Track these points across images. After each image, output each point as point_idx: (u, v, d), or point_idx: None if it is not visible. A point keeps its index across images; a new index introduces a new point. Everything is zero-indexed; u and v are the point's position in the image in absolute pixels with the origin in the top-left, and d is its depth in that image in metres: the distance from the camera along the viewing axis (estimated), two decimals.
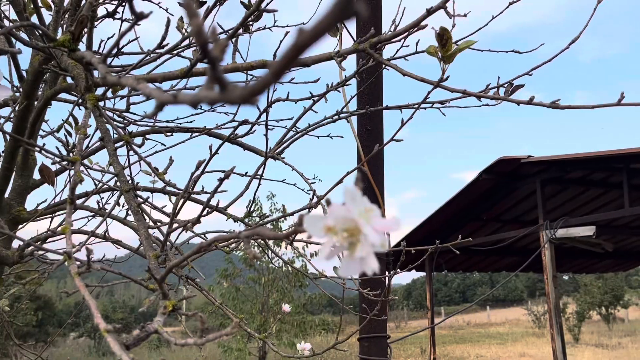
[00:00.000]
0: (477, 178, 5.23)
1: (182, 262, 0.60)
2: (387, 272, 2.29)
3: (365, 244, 0.31)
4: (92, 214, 1.62)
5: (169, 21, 0.84)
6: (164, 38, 0.89)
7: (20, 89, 1.29)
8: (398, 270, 2.21)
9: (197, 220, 0.86)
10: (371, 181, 2.24)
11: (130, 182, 1.19)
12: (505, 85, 1.30)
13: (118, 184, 1.02)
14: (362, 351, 2.30)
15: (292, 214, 1.31)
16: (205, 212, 1.29)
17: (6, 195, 1.57)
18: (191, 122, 1.86)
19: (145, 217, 1.13)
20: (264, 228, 0.43)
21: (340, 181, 1.14)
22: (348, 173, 1.15)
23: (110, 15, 1.55)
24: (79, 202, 1.62)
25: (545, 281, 5.19)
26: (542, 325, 19.97)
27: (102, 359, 17.39)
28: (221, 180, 0.80)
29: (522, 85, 1.34)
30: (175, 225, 0.83)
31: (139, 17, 0.48)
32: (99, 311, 0.55)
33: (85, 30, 1.09)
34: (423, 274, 7.19)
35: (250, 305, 11.31)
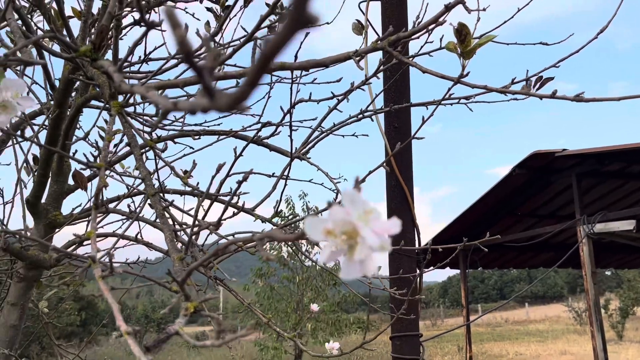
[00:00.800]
0: (511, 173, 5.13)
1: (201, 264, 0.61)
2: (417, 271, 2.27)
3: (363, 246, 0.31)
4: (124, 217, 1.66)
5: (186, 27, 0.86)
6: (209, 41, 0.91)
7: (53, 98, 1.34)
8: (424, 269, 2.19)
9: (218, 222, 0.87)
10: (399, 179, 2.22)
11: (157, 185, 1.21)
12: (533, 79, 1.27)
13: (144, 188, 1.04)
14: (395, 350, 2.29)
15: (315, 214, 1.31)
16: (231, 214, 1.31)
17: (43, 200, 1.62)
18: (219, 124, 1.89)
19: (172, 219, 1.15)
20: (276, 230, 0.43)
21: (363, 180, 1.13)
22: (370, 172, 1.15)
23: (137, 23, 1.59)
24: (111, 205, 1.66)
25: (584, 277, 5.05)
26: (584, 322, 19.44)
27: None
28: (240, 183, 0.81)
29: (552, 78, 1.31)
30: (199, 227, 0.85)
31: (149, 26, 0.49)
32: (120, 314, 0.57)
33: (111, 38, 1.13)
34: (459, 271, 7.10)
35: (285, 304, 11.39)
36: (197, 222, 0.80)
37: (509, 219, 6.56)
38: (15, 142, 1.49)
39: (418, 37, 0.96)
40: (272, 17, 1.67)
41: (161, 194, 1.31)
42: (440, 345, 17.06)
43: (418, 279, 2.41)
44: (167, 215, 1.10)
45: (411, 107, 2.24)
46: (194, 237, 1.10)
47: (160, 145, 1.26)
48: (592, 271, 5.02)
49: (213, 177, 0.84)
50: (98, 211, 1.61)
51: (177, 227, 1.11)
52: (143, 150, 1.29)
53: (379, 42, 0.97)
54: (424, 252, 2.09)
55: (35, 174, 1.51)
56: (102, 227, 1.78)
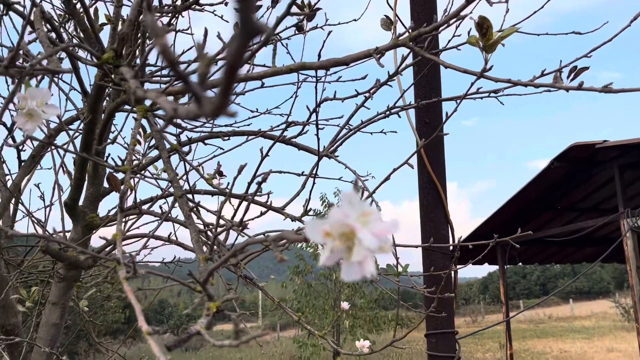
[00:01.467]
0: (549, 166, 4.99)
1: (219, 265, 0.62)
2: (453, 267, 2.24)
3: (360, 248, 0.31)
4: (157, 218, 1.70)
5: (206, 32, 0.87)
6: (202, 48, 0.92)
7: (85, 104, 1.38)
8: (458, 266, 2.16)
9: (240, 222, 0.88)
10: (432, 175, 2.20)
11: (184, 187, 1.24)
12: (566, 70, 1.24)
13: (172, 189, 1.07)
14: (430, 347, 2.27)
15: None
16: (259, 213, 1.32)
17: (80, 203, 1.68)
18: (249, 125, 1.91)
19: (200, 220, 1.17)
20: (289, 231, 0.44)
21: (388, 177, 1.13)
22: (394, 170, 1.14)
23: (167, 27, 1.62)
24: (145, 207, 1.70)
25: (628, 272, 4.88)
26: (632, 319, 18.78)
27: (185, 355, 18.15)
28: (259, 184, 0.82)
29: (586, 68, 1.27)
30: (222, 227, 0.86)
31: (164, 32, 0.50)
32: (142, 314, 0.59)
33: (138, 45, 1.15)
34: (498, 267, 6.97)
35: (322, 301, 11.42)
36: (220, 222, 0.81)
37: (549, 213, 6.39)
38: (51, 148, 1.54)
39: (439, 32, 0.94)
40: (297, 17, 1.68)
41: (191, 195, 1.34)
42: (481, 342, 16.80)
43: (452, 275, 2.38)
44: (194, 216, 1.12)
45: (442, 102, 2.21)
46: (221, 237, 1.11)
47: (185, 148, 1.28)
48: (637, 266, 4.85)
49: (235, 178, 0.85)
50: (132, 212, 1.65)
51: (205, 227, 1.13)
52: (171, 152, 1.31)
53: (400, 38, 0.97)
54: (463, 249, 2.06)
55: (72, 177, 1.57)
56: (137, 228, 1.83)
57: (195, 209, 1.08)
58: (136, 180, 1.56)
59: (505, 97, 1.57)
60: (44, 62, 0.78)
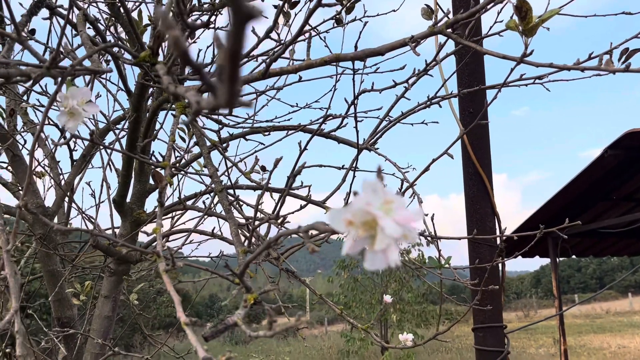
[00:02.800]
0: (602, 155, 4.78)
1: (255, 257, 0.62)
2: (500, 260, 2.19)
3: (382, 236, 0.31)
4: (201, 213, 1.74)
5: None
6: (219, 39, 0.94)
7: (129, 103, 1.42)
8: (504, 258, 2.11)
9: (277, 215, 0.89)
10: (477, 166, 2.16)
11: (226, 182, 1.26)
12: (617, 52, 1.18)
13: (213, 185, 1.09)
14: (477, 342, 2.23)
15: None
16: (299, 207, 1.33)
17: (128, 199, 1.73)
18: (289, 119, 1.92)
19: (241, 214, 1.19)
20: (320, 222, 0.44)
21: (427, 168, 1.11)
22: (434, 160, 1.12)
23: (205, 25, 1.64)
24: (189, 202, 1.74)
25: None
26: None
27: (235, 347, 18.51)
28: (290, 177, 0.82)
29: (639, 50, 1.21)
30: (260, 220, 0.87)
31: (192, 28, 0.51)
32: (181, 305, 0.60)
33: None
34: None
35: (369, 296, 11.40)
36: (259, 216, 0.82)
37: (604, 203, 6.14)
38: (100, 147, 1.60)
39: (476, 17, 0.92)
40: (337, 8, 1.67)
41: (233, 190, 1.36)
42: (534, 337, 16.36)
43: (500, 268, 2.33)
44: (236, 210, 1.14)
45: (486, 91, 2.16)
46: (262, 231, 1.13)
47: (233, 143, 1.30)
48: None
49: (271, 172, 0.86)
50: (176, 208, 1.69)
51: (244, 221, 1.15)
52: (211, 148, 1.33)
53: (436, 25, 0.95)
54: (506, 241, 2.01)
55: (119, 175, 1.62)
56: (183, 223, 1.88)
57: (235, 203, 1.09)
58: (180, 176, 1.60)
59: (555, 84, 1.52)
60: (87, 63, 0.80)
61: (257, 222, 0.84)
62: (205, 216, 1.67)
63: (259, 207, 1.42)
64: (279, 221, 0.92)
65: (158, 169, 1.16)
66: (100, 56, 1.68)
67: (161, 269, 0.68)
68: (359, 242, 0.32)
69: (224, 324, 0.61)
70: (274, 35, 1.10)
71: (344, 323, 11.53)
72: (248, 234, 1.18)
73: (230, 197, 1.09)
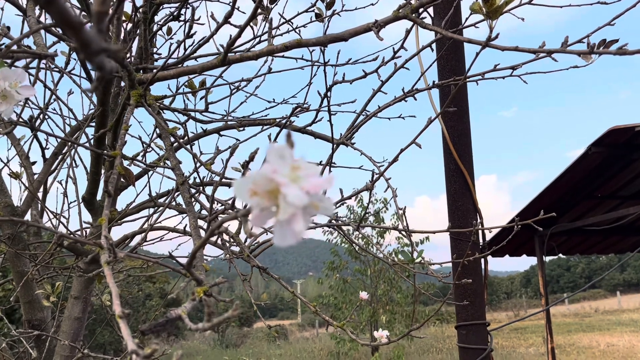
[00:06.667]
0: (586, 152, 4.78)
1: (200, 248, 0.59)
2: (478, 256, 2.17)
3: (285, 205, 0.28)
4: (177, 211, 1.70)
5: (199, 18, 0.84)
6: (188, 35, 0.90)
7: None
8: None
9: (232, 206, 0.85)
10: (458, 162, 2.14)
11: (195, 178, 1.22)
12: (590, 41, 1.17)
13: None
14: (460, 339, 2.21)
15: (349, 197, 1.27)
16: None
17: (98, 197, 1.69)
18: (265, 115, 1.88)
19: (204, 208, 1.15)
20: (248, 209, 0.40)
21: (396, 159, 1.08)
22: (402, 150, 1.09)
23: (175, 18, 1.61)
24: (161, 200, 1.70)
25: None
26: None
27: (226, 351, 18.40)
28: (243, 163, 0.79)
29: (616, 41, 1.19)
30: (215, 212, 0.84)
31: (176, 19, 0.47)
32: (118, 298, 0.57)
33: (138, 32, 1.14)
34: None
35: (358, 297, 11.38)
36: (213, 208, 0.78)
37: (589, 201, 6.15)
38: (71, 145, 1.55)
39: (438, 1, 0.89)
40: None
41: (202, 187, 1.32)
42: (524, 336, 16.42)
43: (483, 265, 2.31)
44: (198, 203, 1.10)
45: (467, 85, 2.14)
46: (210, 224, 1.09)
47: (179, 132, 1.27)
48: None
49: (227, 161, 0.82)
50: (146, 206, 1.64)
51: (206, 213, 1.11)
52: (173, 142, 1.30)
53: (401, 9, 0.92)
54: (491, 240, 1.98)
55: (88, 172, 1.57)
56: (160, 222, 1.83)
57: (197, 195, 1.06)
58: (150, 173, 1.56)
59: (541, 82, 1.50)
60: (35, 48, 0.76)
61: (216, 215, 0.81)
62: (164, 210, 1.62)
63: (214, 200, 1.38)
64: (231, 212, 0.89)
65: (108, 160, 1.12)
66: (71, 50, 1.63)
67: (103, 260, 0.65)
68: (265, 214, 0.29)
69: (166, 317, 0.58)
70: (235, 22, 1.07)
71: (334, 327, 11.48)
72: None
73: (193, 190, 1.06)
